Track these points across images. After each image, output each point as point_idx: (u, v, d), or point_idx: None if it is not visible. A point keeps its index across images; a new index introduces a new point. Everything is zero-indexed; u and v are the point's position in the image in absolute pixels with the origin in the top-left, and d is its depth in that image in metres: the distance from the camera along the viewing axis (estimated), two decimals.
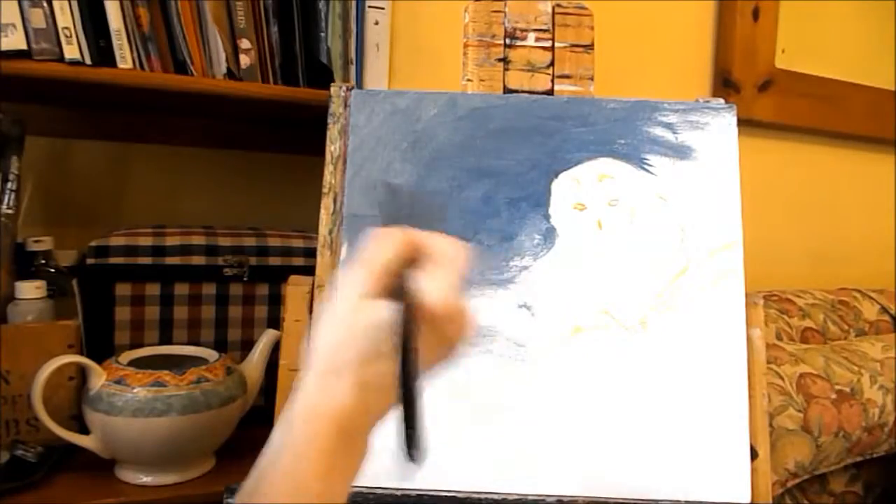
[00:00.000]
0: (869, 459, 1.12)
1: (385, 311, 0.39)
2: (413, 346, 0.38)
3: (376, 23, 0.94)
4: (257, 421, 0.75)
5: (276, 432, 0.39)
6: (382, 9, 0.94)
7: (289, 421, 0.39)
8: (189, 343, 0.84)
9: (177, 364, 0.74)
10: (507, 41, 0.73)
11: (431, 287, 0.40)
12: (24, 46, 0.73)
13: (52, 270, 0.86)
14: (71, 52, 0.75)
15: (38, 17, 0.73)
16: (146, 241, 0.85)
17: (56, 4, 0.74)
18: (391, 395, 0.39)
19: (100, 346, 0.81)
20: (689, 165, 0.68)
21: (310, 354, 0.40)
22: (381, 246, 0.42)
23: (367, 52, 0.94)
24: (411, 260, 0.42)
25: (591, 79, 0.73)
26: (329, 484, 0.38)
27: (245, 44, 0.84)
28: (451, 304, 0.40)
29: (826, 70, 1.55)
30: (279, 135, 1.08)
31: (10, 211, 0.80)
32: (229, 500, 0.58)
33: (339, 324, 0.40)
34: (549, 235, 0.66)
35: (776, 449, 0.98)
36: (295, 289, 0.64)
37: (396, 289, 0.40)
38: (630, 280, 0.65)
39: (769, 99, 1.46)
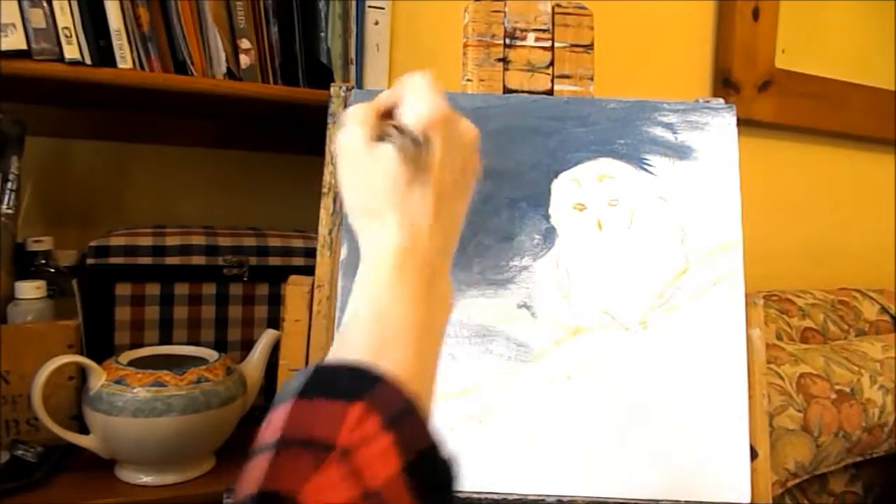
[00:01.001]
0: (869, 459, 1.12)
1: (391, 148, 0.41)
2: None
3: (376, 23, 0.94)
4: (257, 421, 0.75)
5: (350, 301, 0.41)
6: (382, 9, 0.94)
7: (357, 279, 0.41)
8: (189, 343, 0.84)
9: (177, 364, 0.74)
10: (507, 41, 0.73)
11: (418, 108, 0.42)
12: (24, 46, 0.73)
13: (52, 270, 0.86)
14: (71, 52, 0.75)
15: (38, 17, 0.73)
16: (146, 241, 0.85)
17: (56, 4, 0.74)
18: (442, 221, 0.42)
19: (100, 346, 0.81)
20: (689, 165, 0.68)
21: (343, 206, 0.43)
22: (359, 107, 0.45)
23: (367, 52, 0.94)
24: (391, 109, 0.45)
25: (591, 79, 0.73)
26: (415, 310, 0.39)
27: (245, 44, 0.84)
28: (443, 112, 0.43)
29: (826, 70, 1.55)
30: (279, 135, 1.08)
31: (10, 211, 0.80)
32: (229, 500, 0.58)
33: (360, 173, 0.42)
34: (549, 235, 0.66)
35: (776, 449, 0.98)
36: (295, 289, 0.64)
37: (391, 130, 0.42)
38: (630, 280, 0.65)
39: (769, 99, 1.46)
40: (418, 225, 0.40)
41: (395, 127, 0.43)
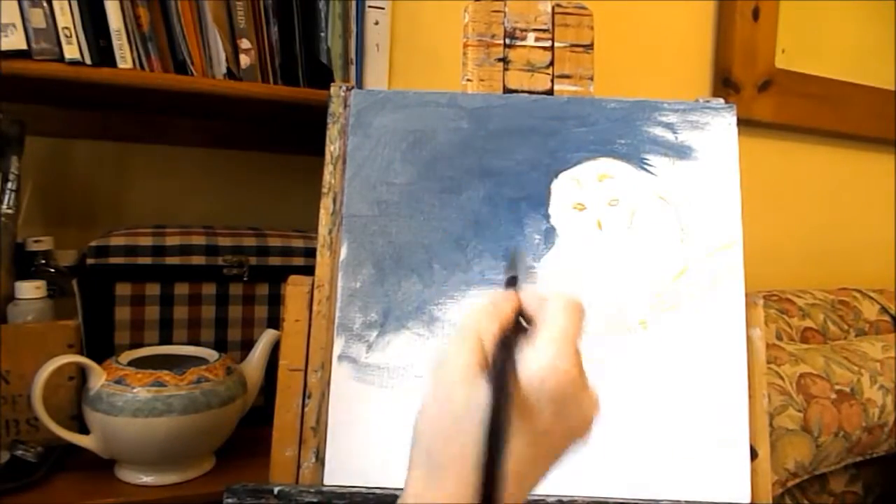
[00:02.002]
0: (869, 459, 1.12)
1: (482, 393, 0.34)
2: (501, 439, 0.32)
3: (376, 23, 0.94)
4: (257, 421, 0.76)
5: None
6: (382, 9, 0.94)
7: None
8: (189, 343, 0.84)
9: (177, 364, 0.74)
10: (507, 41, 0.73)
11: (533, 360, 0.35)
12: (24, 46, 0.73)
13: (52, 270, 0.86)
14: (71, 52, 0.75)
15: (38, 17, 0.73)
16: (146, 241, 0.85)
17: (56, 4, 0.74)
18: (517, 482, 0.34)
19: (100, 346, 0.81)
20: (689, 165, 0.68)
21: (413, 446, 0.36)
22: (483, 313, 0.37)
23: (367, 52, 0.94)
24: (518, 327, 0.37)
25: (591, 79, 0.73)
26: None
27: (245, 44, 0.84)
28: (559, 381, 0.35)
29: (826, 70, 1.55)
30: (279, 135, 1.08)
31: (10, 211, 0.80)
32: (229, 500, 0.58)
33: (440, 409, 0.35)
34: (549, 235, 0.66)
35: (776, 449, 0.98)
36: (295, 289, 0.64)
37: (498, 363, 0.35)
38: (630, 280, 0.65)
39: (769, 99, 1.46)
40: (469, 486, 0.33)
41: None
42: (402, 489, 0.37)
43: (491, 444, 0.32)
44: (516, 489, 0.35)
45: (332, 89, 0.70)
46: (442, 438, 0.35)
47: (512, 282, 0.45)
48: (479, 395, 0.34)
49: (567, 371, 0.35)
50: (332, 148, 0.68)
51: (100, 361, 0.73)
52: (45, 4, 0.74)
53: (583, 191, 0.67)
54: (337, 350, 0.62)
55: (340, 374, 0.62)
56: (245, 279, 0.88)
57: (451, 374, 0.36)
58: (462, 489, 0.33)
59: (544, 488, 0.59)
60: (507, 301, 0.39)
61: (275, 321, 0.89)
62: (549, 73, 0.73)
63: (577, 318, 0.37)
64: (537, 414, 0.35)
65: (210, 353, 0.79)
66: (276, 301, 0.89)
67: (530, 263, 0.64)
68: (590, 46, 0.74)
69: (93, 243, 0.83)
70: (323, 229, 0.66)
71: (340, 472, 0.60)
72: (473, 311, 0.38)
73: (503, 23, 0.74)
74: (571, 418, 0.36)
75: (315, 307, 0.64)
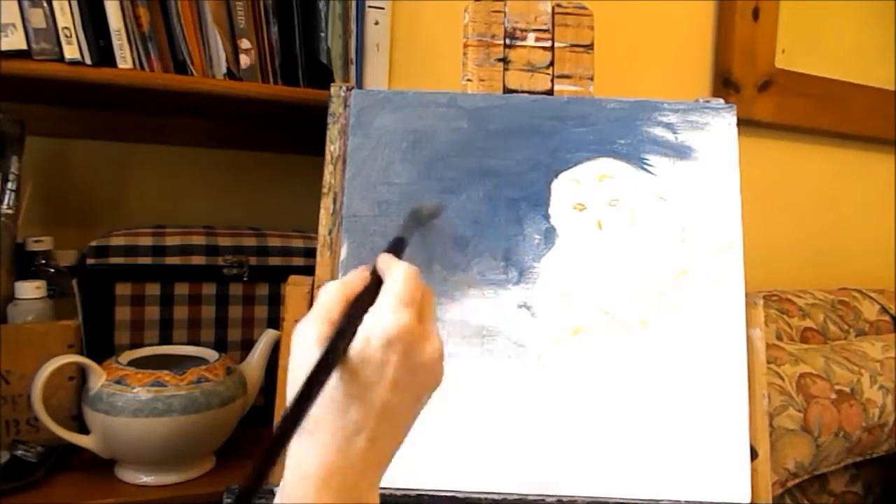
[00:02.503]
0: (869, 459, 1.12)
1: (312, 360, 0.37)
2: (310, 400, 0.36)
3: (376, 23, 0.94)
4: (257, 421, 0.76)
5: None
6: (382, 9, 0.94)
7: (282, 486, 0.38)
8: (189, 343, 0.84)
9: (177, 364, 0.74)
10: (507, 41, 0.73)
11: (383, 321, 0.39)
12: (24, 46, 0.73)
13: (52, 270, 0.86)
14: (71, 52, 0.75)
15: (38, 17, 0.73)
16: (146, 241, 0.85)
17: (56, 4, 0.74)
18: (383, 438, 0.38)
19: (100, 346, 0.81)
20: (689, 165, 0.68)
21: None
22: (326, 293, 0.42)
23: (367, 52, 0.94)
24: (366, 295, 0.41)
25: (591, 79, 0.73)
26: None
27: (245, 44, 0.84)
28: (408, 329, 0.39)
29: (826, 70, 1.55)
30: (279, 135, 1.08)
31: (10, 211, 0.80)
32: (229, 500, 0.58)
33: (299, 378, 0.38)
34: (549, 235, 0.66)
35: (776, 449, 0.98)
36: (295, 289, 0.64)
37: (336, 332, 0.39)
38: (630, 280, 0.65)
39: (769, 99, 1.46)
40: (351, 444, 0.38)
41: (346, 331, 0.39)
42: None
43: (297, 406, 0.35)
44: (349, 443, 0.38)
45: (332, 89, 0.70)
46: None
47: (397, 244, 0.50)
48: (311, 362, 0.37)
49: (400, 325, 0.39)
50: (332, 148, 0.68)
51: (100, 361, 0.73)
52: (45, 4, 0.74)
53: (583, 191, 0.67)
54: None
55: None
56: (245, 279, 0.88)
57: (300, 351, 0.40)
58: (331, 445, 0.38)
59: (544, 488, 0.59)
60: (359, 276, 0.43)
61: (275, 321, 0.89)
62: (549, 73, 0.73)
63: (413, 280, 0.42)
64: (381, 368, 0.39)
65: (210, 353, 0.79)
66: (276, 301, 0.89)
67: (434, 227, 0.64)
68: (590, 46, 0.74)
69: (93, 243, 0.83)
70: (323, 229, 0.66)
71: None
72: (323, 289, 0.42)
73: (503, 23, 0.74)
74: (418, 370, 0.40)
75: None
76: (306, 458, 0.38)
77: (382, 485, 0.40)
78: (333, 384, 0.38)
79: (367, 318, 0.40)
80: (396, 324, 0.39)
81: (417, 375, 0.40)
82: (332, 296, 0.41)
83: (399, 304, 0.40)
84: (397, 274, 0.42)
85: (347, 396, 0.38)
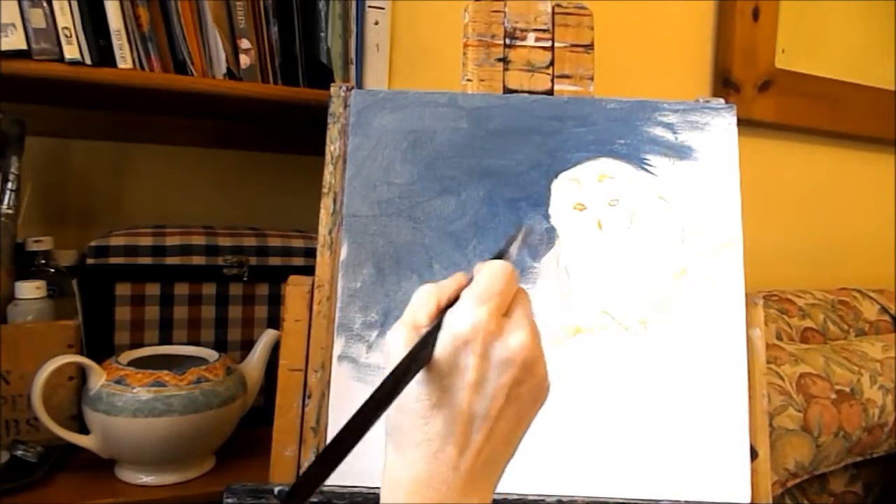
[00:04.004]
0: (869, 459, 1.12)
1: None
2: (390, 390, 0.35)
3: (376, 23, 0.94)
4: (257, 421, 0.76)
5: None
6: (382, 9, 0.94)
7: (382, 499, 0.38)
8: (189, 343, 0.84)
9: (177, 364, 0.74)
10: (507, 41, 0.73)
11: (460, 320, 0.37)
12: (24, 46, 0.73)
13: (52, 270, 0.86)
14: (71, 52, 0.75)
15: (38, 17, 0.73)
16: (146, 241, 0.85)
17: (56, 4, 0.74)
18: (477, 447, 0.37)
19: (100, 346, 0.81)
20: (689, 165, 0.68)
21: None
22: (421, 296, 0.40)
23: (367, 52, 0.94)
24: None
25: (591, 79, 0.73)
26: None
27: (245, 44, 0.84)
28: (485, 326, 0.37)
29: (826, 70, 1.55)
30: (279, 135, 1.08)
31: (10, 211, 0.80)
32: (229, 500, 0.58)
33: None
34: (549, 235, 0.66)
35: (776, 449, 0.98)
36: (295, 289, 0.64)
37: (423, 335, 0.38)
38: (630, 280, 0.65)
39: (769, 99, 1.46)
40: (438, 455, 0.36)
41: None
42: None
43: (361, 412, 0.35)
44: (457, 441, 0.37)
45: (333, 89, 0.70)
46: (396, 417, 0.38)
47: (499, 255, 0.47)
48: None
49: (473, 323, 0.37)
50: (332, 148, 0.68)
51: (100, 361, 0.74)
52: (45, 4, 0.74)
53: (583, 191, 0.67)
54: (337, 350, 0.63)
55: (340, 374, 0.62)
56: (245, 279, 0.88)
57: (388, 357, 0.38)
58: (420, 461, 0.37)
59: (544, 488, 0.59)
60: (454, 281, 0.41)
61: (275, 321, 0.89)
62: (549, 73, 0.73)
63: (494, 275, 0.39)
64: (461, 371, 0.37)
65: (210, 353, 0.79)
66: (276, 301, 0.89)
67: (527, 252, 0.64)
68: (590, 46, 0.74)
69: (93, 243, 0.83)
70: (323, 229, 0.66)
71: (340, 472, 0.59)
72: (416, 293, 0.40)
73: (503, 23, 0.74)
74: (503, 369, 0.37)
75: (315, 307, 0.64)
76: (397, 473, 0.37)
77: (373, 483, 0.40)
78: (415, 395, 0.37)
79: (444, 320, 0.38)
80: (470, 322, 0.37)
81: (504, 375, 0.37)
82: (421, 299, 0.40)
83: (475, 302, 0.37)
84: (480, 271, 0.39)
85: (430, 407, 0.37)
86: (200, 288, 0.87)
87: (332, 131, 0.69)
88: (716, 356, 0.64)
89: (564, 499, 0.59)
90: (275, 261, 0.90)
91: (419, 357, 0.37)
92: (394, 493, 0.37)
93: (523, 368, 0.38)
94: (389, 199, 0.66)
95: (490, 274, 0.39)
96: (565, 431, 0.62)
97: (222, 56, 0.82)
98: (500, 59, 0.73)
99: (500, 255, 0.46)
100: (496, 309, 0.38)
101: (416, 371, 0.37)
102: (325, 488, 0.58)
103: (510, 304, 0.39)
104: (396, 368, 0.36)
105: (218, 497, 0.57)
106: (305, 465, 0.61)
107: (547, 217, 0.66)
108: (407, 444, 0.37)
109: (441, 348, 0.37)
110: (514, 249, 0.51)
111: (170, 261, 0.85)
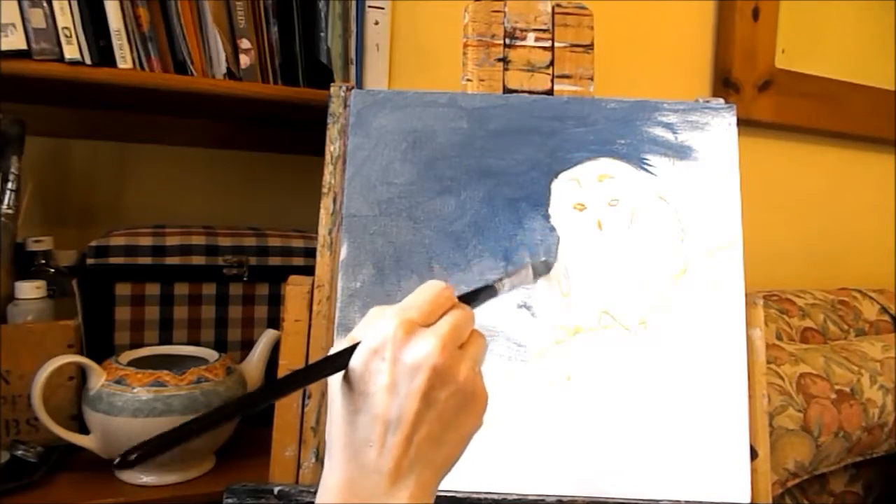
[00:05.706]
0: (869, 459, 1.12)
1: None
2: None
3: (376, 23, 0.94)
4: (257, 421, 0.75)
5: None
6: (382, 9, 0.94)
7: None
8: (189, 343, 0.84)
9: (177, 364, 0.74)
10: (507, 41, 0.73)
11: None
12: (24, 46, 0.73)
13: (52, 270, 0.86)
14: (71, 52, 0.75)
15: (38, 17, 0.73)
16: (146, 241, 0.85)
17: (56, 4, 0.74)
18: (398, 449, 0.39)
19: (100, 346, 0.81)
20: (689, 165, 0.68)
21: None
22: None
23: (367, 52, 0.94)
24: None
25: (591, 79, 0.73)
26: None
27: (245, 44, 0.84)
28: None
29: (826, 70, 1.55)
30: (279, 135, 1.08)
31: (10, 211, 0.80)
32: (229, 500, 0.58)
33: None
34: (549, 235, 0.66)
35: (776, 449, 0.98)
36: (295, 289, 0.64)
37: None
38: (630, 280, 0.65)
39: (769, 99, 1.46)
40: (359, 457, 0.39)
41: None
42: None
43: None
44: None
45: (332, 89, 0.70)
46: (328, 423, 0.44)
47: (481, 290, 0.52)
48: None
49: (384, 332, 0.40)
50: (332, 148, 0.68)
51: (100, 361, 0.74)
52: (45, 4, 0.74)
53: (583, 191, 0.67)
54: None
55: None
56: (245, 279, 0.88)
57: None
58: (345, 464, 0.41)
59: (544, 488, 0.59)
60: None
61: (275, 321, 0.89)
62: (549, 73, 0.73)
63: (419, 292, 0.43)
64: (376, 375, 0.40)
65: (210, 353, 0.79)
66: (276, 301, 0.89)
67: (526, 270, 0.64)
68: (590, 46, 0.74)
69: (93, 243, 0.83)
70: (323, 229, 0.66)
71: None
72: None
73: (503, 23, 0.74)
74: (414, 372, 0.40)
75: (315, 307, 0.64)
76: (327, 477, 0.40)
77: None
78: (339, 402, 0.40)
79: (360, 334, 0.42)
80: (381, 331, 0.40)
81: (416, 380, 0.39)
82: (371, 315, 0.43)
83: (391, 314, 0.41)
84: (430, 288, 0.43)
85: (353, 412, 0.40)
86: (200, 288, 0.87)
87: (332, 131, 0.69)
88: (716, 356, 0.64)
89: (564, 499, 0.59)
90: (275, 261, 0.90)
91: (335, 362, 0.41)
92: (324, 496, 0.40)
93: (435, 374, 0.40)
94: (389, 199, 0.66)
95: (417, 291, 0.43)
96: (565, 431, 0.62)
97: (222, 56, 0.82)
98: (499, 59, 0.73)
99: (485, 289, 0.51)
100: (408, 321, 0.41)
101: (325, 374, 0.41)
102: None
103: (437, 317, 0.42)
104: (309, 366, 0.39)
105: (218, 497, 0.57)
106: (305, 464, 0.61)
107: (547, 217, 0.66)
108: (334, 449, 0.40)
109: (357, 357, 0.41)
110: (507, 284, 0.56)
111: (170, 261, 0.85)
